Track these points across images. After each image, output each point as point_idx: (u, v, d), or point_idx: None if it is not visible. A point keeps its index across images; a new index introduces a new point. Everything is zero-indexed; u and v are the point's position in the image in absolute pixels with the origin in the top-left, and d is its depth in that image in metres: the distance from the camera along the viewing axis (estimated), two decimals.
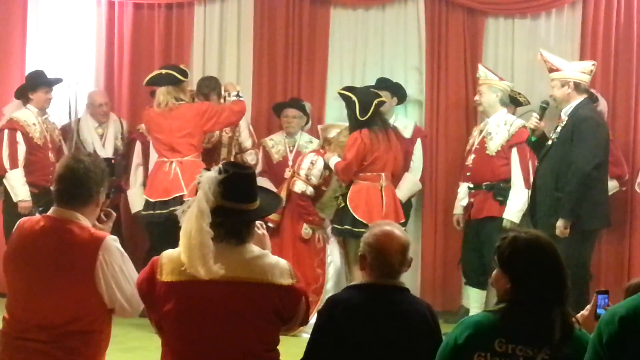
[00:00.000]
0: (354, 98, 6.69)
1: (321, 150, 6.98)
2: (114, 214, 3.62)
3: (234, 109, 6.87)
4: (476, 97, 7.03)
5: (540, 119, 6.25)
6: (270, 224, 6.69)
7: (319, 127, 7.33)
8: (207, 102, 6.99)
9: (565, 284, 2.91)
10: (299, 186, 6.83)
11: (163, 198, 6.63)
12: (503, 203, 6.72)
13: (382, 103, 6.79)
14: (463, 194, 6.96)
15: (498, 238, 3.04)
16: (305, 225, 6.86)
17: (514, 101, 7.18)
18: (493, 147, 6.79)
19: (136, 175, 7.43)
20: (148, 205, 6.82)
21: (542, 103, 6.32)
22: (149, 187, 6.89)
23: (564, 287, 2.90)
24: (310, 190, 6.84)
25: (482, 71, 7.00)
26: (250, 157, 7.28)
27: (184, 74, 6.87)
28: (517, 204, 6.66)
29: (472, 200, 6.87)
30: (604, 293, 3.15)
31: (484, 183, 6.80)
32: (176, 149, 6.75)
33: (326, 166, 6.85)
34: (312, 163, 6.87)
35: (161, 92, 6.79)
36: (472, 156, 6.91)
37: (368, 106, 6.63)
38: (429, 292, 7.42)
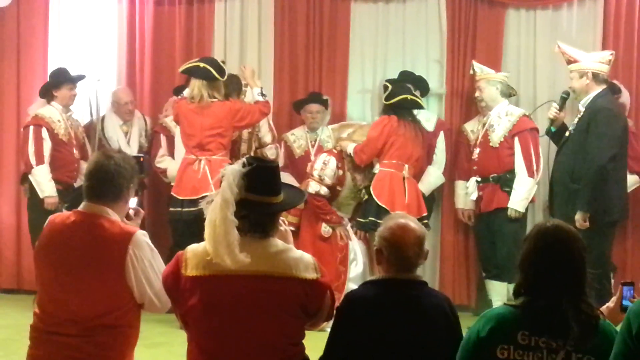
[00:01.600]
0: (390, 86, 6.82)
1: (334, 151, 6.98)
2: (142, 211, 3.66)
3: (263, 110, 6.92)
4: (477, 94, 7.01)
5: (560, 110, 6.25)
6: (292, 228, 6.70)
7: (330, 127, 7.32)
8: (238, 101, 6.98)
9: (580, 276, 2.88)
10: (313, 187, 6.82)
11: (191, 197, 6.57)
12: (511, 193, 6.72)
13: (412, 102, 6.78)
14: (472, 188, 6.95)
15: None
16: (324, 224, 6.89)
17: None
18: (496, 138, 6.80)
19: (164, 159, 7.43)
20: (176, 202, 6.83)
21: (563, 93, 6.32)
22: (177, 185, 6.88)
23: (578, 279, 2.87)
24: (324, 190, 6.84)
25: (477, 67, 7.01)
26: (270, 152, 7.27)
27: (222, 72, 6.80)
28: (520, 193, 6.67)
29: (481, 193, 6.87)
30: (630, 284, 3.14)
31: (491, 175, 6.82)
32: (206, 147, 6.75)
33: (339, 166, 6.85)
34: (324, 163, 6.86)
35: (195, 85, 6.76)
36: (477, 150, 6.93)
37: (394, 96, 6.73)
38: (448, 286, 7.41)
